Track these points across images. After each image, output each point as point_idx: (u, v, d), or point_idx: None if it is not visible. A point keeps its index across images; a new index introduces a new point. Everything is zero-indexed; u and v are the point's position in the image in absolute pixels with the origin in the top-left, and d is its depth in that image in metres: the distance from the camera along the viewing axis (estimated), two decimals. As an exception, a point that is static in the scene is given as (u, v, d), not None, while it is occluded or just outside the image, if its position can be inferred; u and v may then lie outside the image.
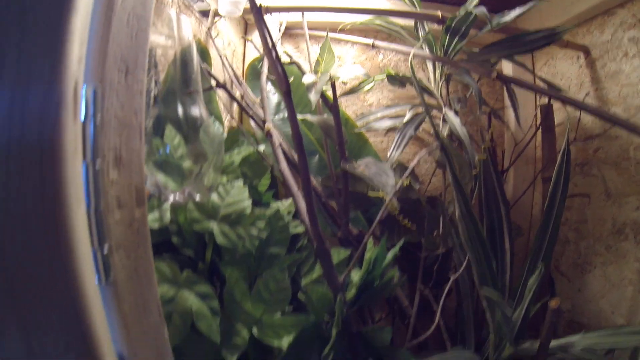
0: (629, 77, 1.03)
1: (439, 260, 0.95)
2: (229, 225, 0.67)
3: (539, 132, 1.17)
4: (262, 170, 0.84)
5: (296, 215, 0.87)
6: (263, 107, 0.94)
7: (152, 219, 0.68)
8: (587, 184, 1.12)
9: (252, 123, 1.06)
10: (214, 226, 0.66)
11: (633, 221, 1.04)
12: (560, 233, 1.18)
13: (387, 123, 1.05)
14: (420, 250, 0.99)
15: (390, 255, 0.74)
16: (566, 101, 0.94)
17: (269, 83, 1.11)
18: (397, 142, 0.97)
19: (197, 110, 0.68)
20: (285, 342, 0.64)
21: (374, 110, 1.08)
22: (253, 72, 1.12)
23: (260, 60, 1.10)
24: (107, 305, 0.46)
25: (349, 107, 1.18)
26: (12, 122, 0.38)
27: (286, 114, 1.08)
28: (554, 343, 0.96)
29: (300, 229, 0.81)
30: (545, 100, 1.13)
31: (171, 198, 0.63)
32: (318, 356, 0.68)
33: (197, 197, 0.68)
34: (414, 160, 0.87)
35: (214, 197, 0.69)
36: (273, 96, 1.09)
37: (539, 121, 1.09)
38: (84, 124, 0.44)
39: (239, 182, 0.72)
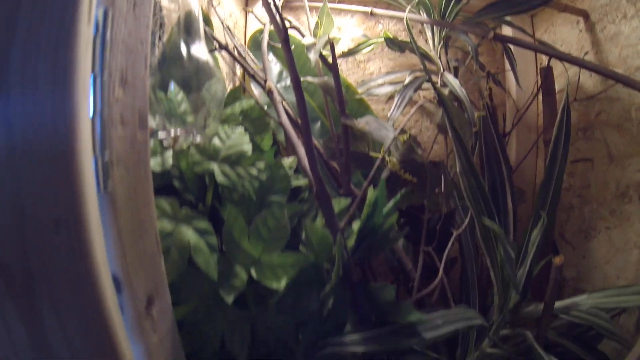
0: (629, 38, 1.03)
1: (442, 220, 0.96)
2: (229, 166, 0.67)
3: (540, 99, 1.18)
4: (264, 127, 0.85)
5: (298, 170, 0.88)
6: (264, 70, 0.95)
7: (155, 163, 0.69)
8: (589, 148, 1.12)
9: (255, 91, 1.07)
10: (214, 167, 0.67)
11: (637, 183, 1.03)
12: (564, 200, 1.18)
13: (388, 89, 1.06)
14: (422, 213, 1.00)
15: (391, 203, 0.75)
16: (565, 59, 0.95)
17: (270, 53, 1.12)
18: (397, 103, 0.98)
19: (199, 50, 0.69)
20: (283, 284, 0.64)
21: (375, 77, 1.10)
22: (255, 44, 1.14)
23: (261, 32, 1.12)
24: (104, 216, 0.46)
25: (349, 75, 1.19)
26: (34, 11, 0.39)
27: (287, 83, 1.09)
28: (558, 304, 0.96)
29: (301, 182, 0.82)
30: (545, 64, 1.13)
31: (172, 132, 0.64)
32: (317, 301, 0.68)
33: (198, 139, 0.69)
34: (411, 111, 0.87)
35: (215, 141, 0.70)
36: (275, 65, 1.10)
37: (539, 86, 1.10)
38: (95, 38, 0.45)
39: (240, 129, 0.73)
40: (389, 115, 0.95)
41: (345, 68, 1.19)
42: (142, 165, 0.55)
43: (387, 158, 0.96)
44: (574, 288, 1.15)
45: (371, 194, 0.71)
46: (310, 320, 0.69)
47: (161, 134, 0.69)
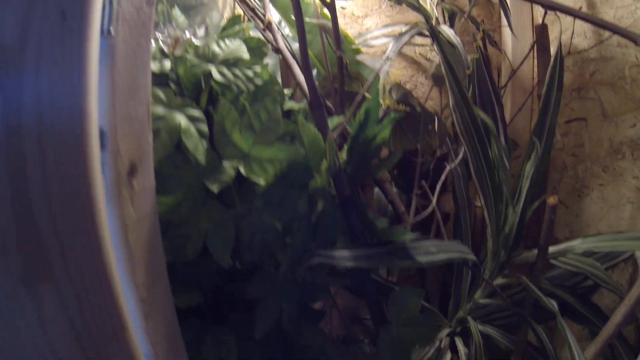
0: (623, -1, 1.09)
1: (435, 161, 0.99)
2: (227, 67, 0.71)
3: (536, 65, 1.23)
4: (262, 56, 0.89)
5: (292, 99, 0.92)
6: (264, 8, 1.00)
7: (153, 66, 0.73)
8: (584, 107, 1.16)
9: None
10: (212, 67, 0.71)
11: (629, 139, 1.08)
12: (557, 160, 1.22)
13: (384, 40, 1.11)
14: (416, 157, 1.03)
15: (385, 121, 0.78)
16: (559, 9, 1.00)
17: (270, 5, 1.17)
18: (392, 47, 1.03)
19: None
20: (272, 175, 0.67)
21: (372, 30, 1.15)
22: (254, -4, 1.19)
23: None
24: (102, 61, 0.49)
25: (347, 29, 1.24)
26: None
27: (285, 32, 1.14)
28: (552, 249, 0.98)
29: (295, 106, 0.86)
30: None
31: (174, 33, 0.68)
32: (306, 203, 0.71)
33: (198, 42, 0.73)
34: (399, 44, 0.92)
35: (215, 48, 0.74)
36: (274, 15, 1.15)
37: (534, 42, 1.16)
38: None
39: (239, 41, 0.77)
40: (384, 57, 0.99)
41: (343, 22, 1.24)
42: (144, 35, 0.58)
43: (381, 101, 1.00)
44: (568, 249, 1.18)
45: (365, 105, 0.74)
46: (299, 228, 0.72)
47: (162, 36, 0.73)
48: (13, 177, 0.41)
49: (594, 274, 0.95)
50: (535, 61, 1.25)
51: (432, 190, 1.00)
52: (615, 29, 0.99)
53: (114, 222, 0.50)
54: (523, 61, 1.14)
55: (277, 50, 0.86)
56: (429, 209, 0.88)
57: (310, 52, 1.13)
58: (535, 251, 0.95)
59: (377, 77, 0.90)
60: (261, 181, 0.66)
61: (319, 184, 0.68)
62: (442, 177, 0.91)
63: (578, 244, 0.97)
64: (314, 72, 1.12)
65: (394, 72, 1.10)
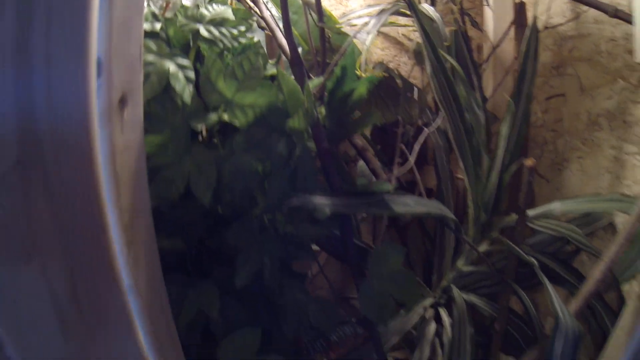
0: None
1: (415, 130, 1.06)
2: (213, 26, 0.80)
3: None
4: (248, 27, 0.97)
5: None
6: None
7: (145, 27, 0.80)
8: (563, 84, 1.24)
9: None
10: (199, 26, 0.79)
11: (606, 110, 1.15)
12: (537, 136, 1.30)
13: (367, 19, 1.20)
14: (397, 128, 1.11)
15: (364, 79, 0.86)
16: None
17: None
18: (374, 23, 1.11)
19: None
20: (251, 117, 0.75)
21: (355, 10, 1.24)
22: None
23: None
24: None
25: (332, 11, 1.32)
26: None
27: (273, 13, 1.23)
28: (532, 212, 1.05)
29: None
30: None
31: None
32: (285, 145, 0.78)
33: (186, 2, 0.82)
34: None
35: (203, 10, 0.82)
36: (260, -3, 1.24)
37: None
38: None
39: (226, 6, 0.85)
40: (366, 29, 1.08)
41: (328, 4, 1.32)
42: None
43: (362, 74, 1.08)
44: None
45: (341, 61, 0.82)
46: (278, 172, 0.78)
47: (153, -1, 0.81)
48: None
49: (574, 238, 1.00)
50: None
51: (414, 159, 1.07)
52: (589, 2, 1.08)
53: (103, 143, 0.57)
54: (502, 38, 1.22)
55: (262, 19, 0.95)
56: (407, 166, 0.94)
57: (295, 31, 1.22)
58: (516, 216, 1.02)
59: (353, 42, 0.98)
60: (238, 123, 0.74)
61: (296, 125, 0.75)
62: (421, 139, 0.98)
63: (557, 206, 1.03)
64: (299, 50, 1.20)
65: (377, 51, 1.18)
